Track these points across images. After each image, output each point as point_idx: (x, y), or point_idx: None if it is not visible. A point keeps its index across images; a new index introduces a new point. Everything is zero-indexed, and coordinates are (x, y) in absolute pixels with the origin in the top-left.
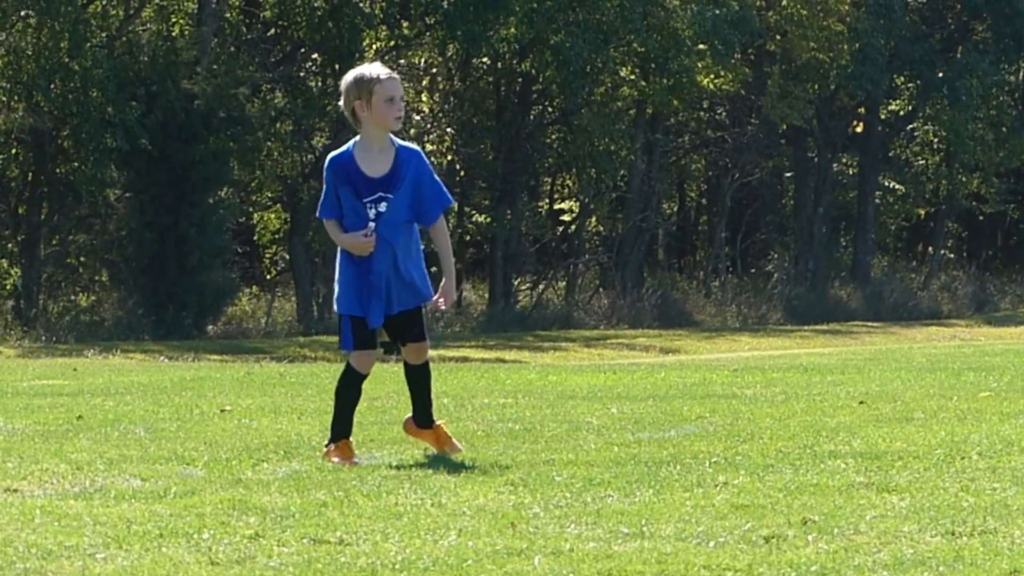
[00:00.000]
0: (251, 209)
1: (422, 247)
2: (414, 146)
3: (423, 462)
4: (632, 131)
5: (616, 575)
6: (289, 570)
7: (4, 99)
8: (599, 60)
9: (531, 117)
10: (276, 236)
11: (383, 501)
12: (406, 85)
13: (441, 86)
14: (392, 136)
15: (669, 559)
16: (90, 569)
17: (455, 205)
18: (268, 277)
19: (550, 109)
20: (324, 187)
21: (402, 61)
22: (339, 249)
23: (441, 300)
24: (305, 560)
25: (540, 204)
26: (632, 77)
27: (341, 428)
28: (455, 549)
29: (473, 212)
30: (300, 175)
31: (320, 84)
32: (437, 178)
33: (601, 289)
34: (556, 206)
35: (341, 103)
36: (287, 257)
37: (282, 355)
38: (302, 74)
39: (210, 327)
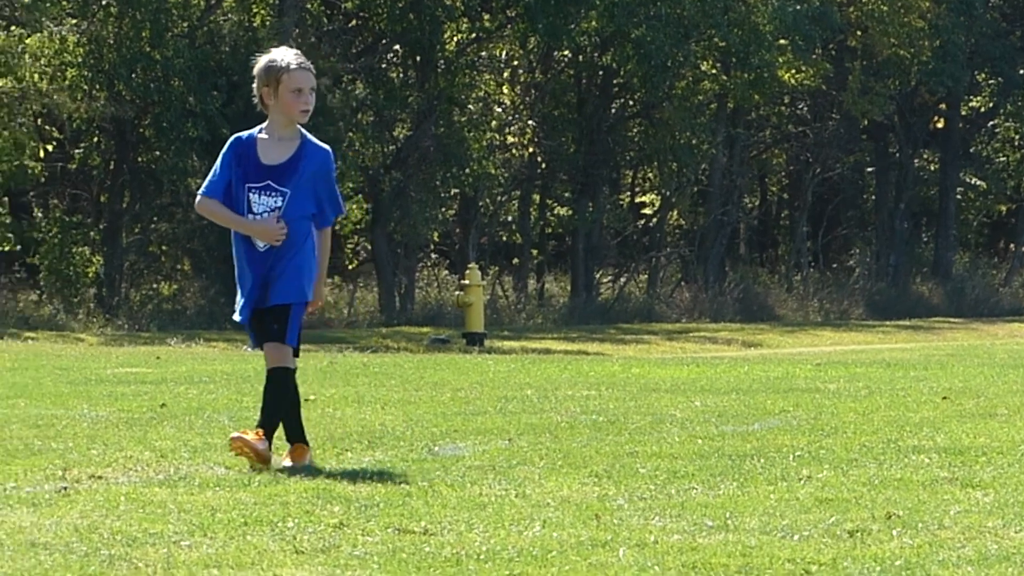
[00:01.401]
0: None
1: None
2: (325, 145)
3: (507, 453)
4: (713, 125)
5: (700, 567)
6: (373, 559)
7: (86, 88)
8: (680, 54)
9: (612, 110)
10: (357, 226)
11: (467, 491)
12: (487, 77)
13: (522, 79)
14: (303, 130)
15: (753, 552)
16: (175, 556)
17: (346, 215)
18: (350, 267)
19: (631, 102)
20: (217, 165)
21: (483, 53)
22: (234, 244)
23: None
24: (390, 549)
25: (621, 197)
26: (713, 71)
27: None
28: (539, 540)
29: (554, 205)
30: (382, 166)
31: (401, 75)
32: (336, 184)
33: (683, 282)
34: (637, 199)
35: (254, 85)
36: (368, 247)
37: (364, 345)
38: (383, 65)
39: None
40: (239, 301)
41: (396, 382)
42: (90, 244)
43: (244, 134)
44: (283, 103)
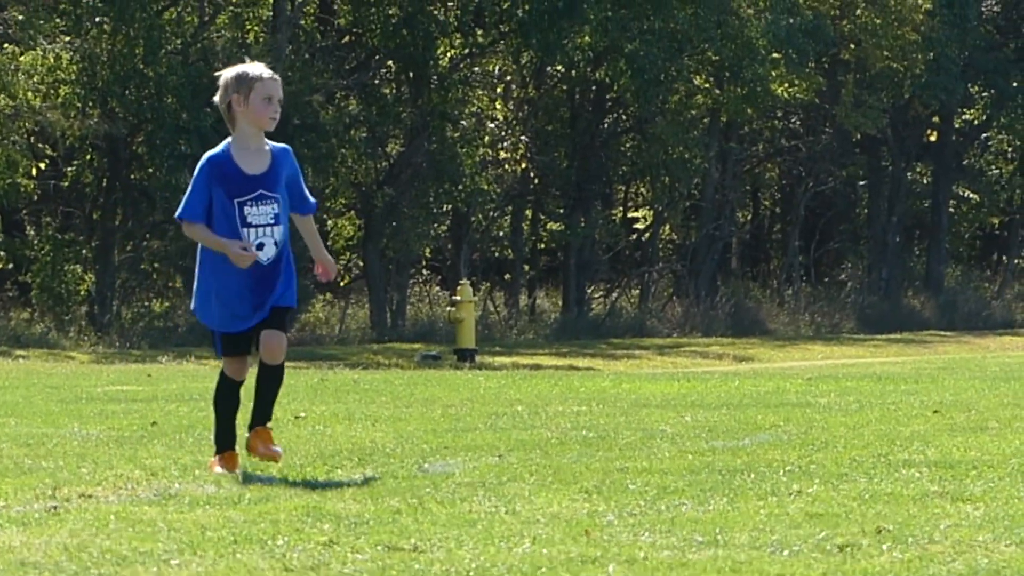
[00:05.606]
0: (325, 216)
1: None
2: (285, 145)
3: (497, 470)
4: (706, 139)
5: None
6: None
7: (79, 105)
8: (673, 68)
9: (605, 125)
10: (350, 243)
11: (457, 508)
12: (480, 93)
13: (515, 94)
14: (265, 137)
15: (743, 568)
16: (164, 575)
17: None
18: (341, 284)
19: (624, 117)
20: (191, 187)
21: (476, 69)
22: (200, 253)
23: (321, 271)
24: (379, 567)
25: (614, 212)
26: (706, 85)
27: (223, 440)
28: (529, 557)
29: (547, 220)
30: (374, 182)
31: (394, 91)
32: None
33: (675, 297)
34: (630, 214)
35: (217, 98)
36: (361, 264)
37: (355, 362)
38: (376, 81)
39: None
40: (231, 313)
41: (387, 399)
42: (82, 262)
43: (215, 152)
44: (253, 110)
